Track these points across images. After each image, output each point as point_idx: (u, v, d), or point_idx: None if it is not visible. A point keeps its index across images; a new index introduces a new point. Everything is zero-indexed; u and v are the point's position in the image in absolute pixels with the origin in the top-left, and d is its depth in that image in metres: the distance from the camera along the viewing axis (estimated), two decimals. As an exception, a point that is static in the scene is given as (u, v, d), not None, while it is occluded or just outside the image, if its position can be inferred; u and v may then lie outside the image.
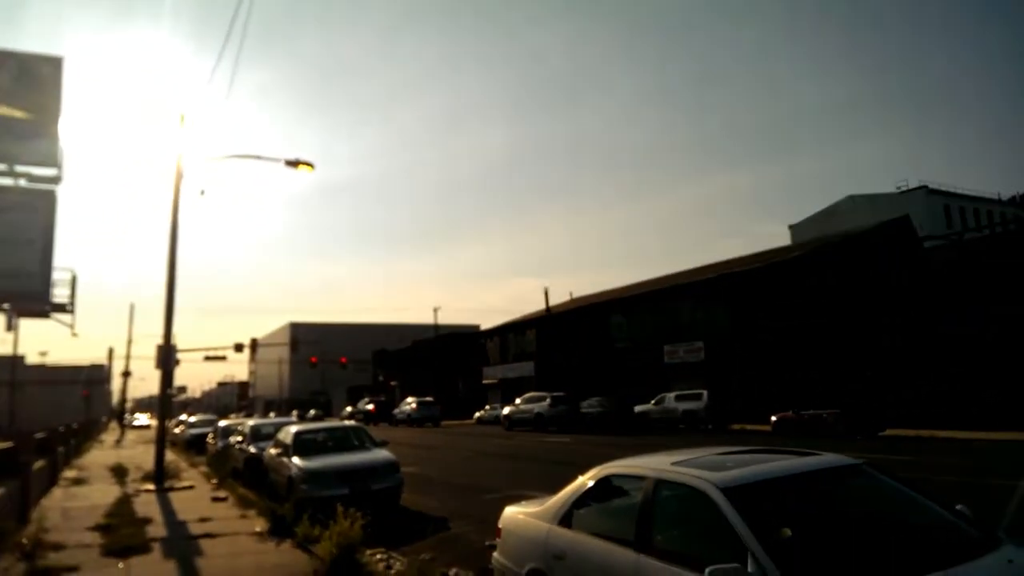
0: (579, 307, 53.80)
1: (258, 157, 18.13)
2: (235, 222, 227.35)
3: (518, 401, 41.00)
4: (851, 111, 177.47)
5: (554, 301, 55.26)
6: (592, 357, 47.34)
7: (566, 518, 5.10)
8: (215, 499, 13.31)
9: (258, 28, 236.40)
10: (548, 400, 37.67)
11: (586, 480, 5.25)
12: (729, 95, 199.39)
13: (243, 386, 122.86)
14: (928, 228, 44.29)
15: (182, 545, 9.19)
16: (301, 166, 17.35)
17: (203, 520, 10.88)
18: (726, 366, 35.97)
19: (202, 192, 20.95)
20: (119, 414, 69.32)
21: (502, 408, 43.81)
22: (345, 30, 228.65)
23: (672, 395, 33.93)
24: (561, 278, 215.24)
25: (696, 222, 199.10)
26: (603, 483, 5.15)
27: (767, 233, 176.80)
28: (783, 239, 64.19)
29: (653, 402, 34.84)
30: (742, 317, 36.55)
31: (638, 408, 35.68)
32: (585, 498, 5.15)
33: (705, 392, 32.43)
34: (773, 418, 26.92)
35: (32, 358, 70.19)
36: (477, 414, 51.20)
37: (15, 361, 54.12)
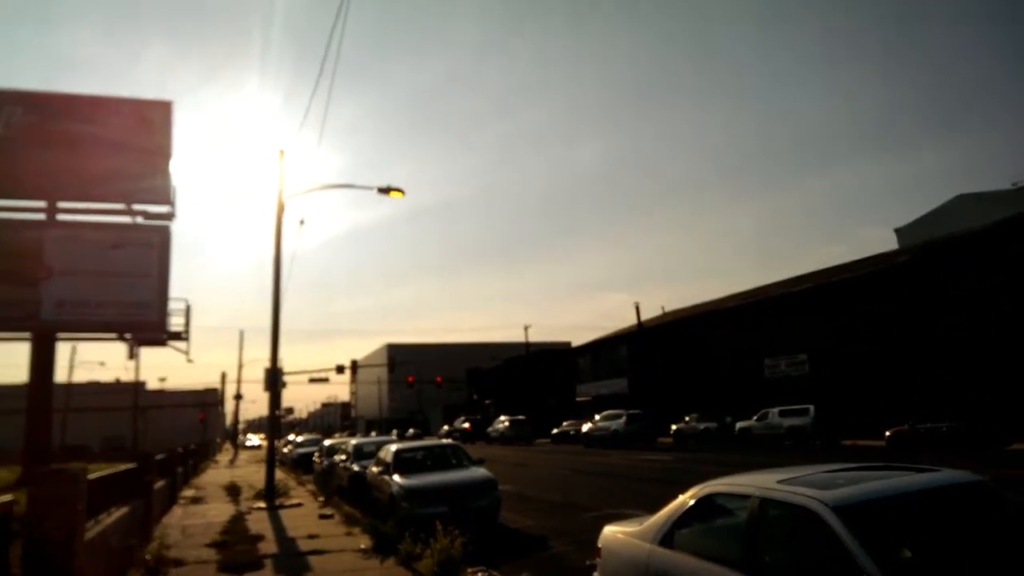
0: (672, 321, 52.78)
1: (351, 186, 18.85)
2: (333, 248, 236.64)
3: (597, 418, 41.21)
4: (960, 105, 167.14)
5: (646, 315, 54.46)
6: (688, 372, 46.27)
7: (667, 538, 4.96)
8: (322, 516, 13.75)
9: (347, 62, 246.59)
10: (624, 417, 38.15)
11: (687, 499, 5.10)
12: (826, 92, 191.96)
13: (345, 406, 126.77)
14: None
15: (292, 562, 9.53)
16: (392, 192, 17.92)
17: (311, 537, 11.25)
18: (833, 379, 34.34)
19: (302, 222, 21.89)
20: (232, 435, 73.04)
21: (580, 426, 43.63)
22: (431, 58, 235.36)
23: (776, 410, 32.66)
24: (653, 292, 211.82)
25: (795, 229, 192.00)
26: (705, 502, 4.99)
27: (872, 238, 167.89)
28: (889, 243, 60.96)
29: (756, 418, 33.64)
30: (848, 327, 34.84)
31: (740, 424, 34.55)
32: (686, 517, 4.99)
33: (812, 407, 31.03)
34: (887, 433, 25.46)
35: (152, 384, 74.97)
36: (554, 431, 50.40)
37: (137, 387, 58.06)
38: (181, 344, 24.85)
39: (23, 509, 5.51)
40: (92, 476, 7.86)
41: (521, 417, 50.34)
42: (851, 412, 30.70)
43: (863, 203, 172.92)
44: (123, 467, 10.99)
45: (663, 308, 63.80)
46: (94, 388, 71.52)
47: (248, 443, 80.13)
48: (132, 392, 58.50)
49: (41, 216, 21.94)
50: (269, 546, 10.77)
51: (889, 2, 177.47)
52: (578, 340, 75.17)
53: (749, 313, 42.49)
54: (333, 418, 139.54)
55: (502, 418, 51.47)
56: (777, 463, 7.16)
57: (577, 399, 59.57)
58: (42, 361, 21.24)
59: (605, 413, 41.66)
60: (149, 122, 22.91)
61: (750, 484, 4.66)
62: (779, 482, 4.46)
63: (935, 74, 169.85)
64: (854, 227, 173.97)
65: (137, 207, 22.73)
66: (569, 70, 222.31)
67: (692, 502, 5.03)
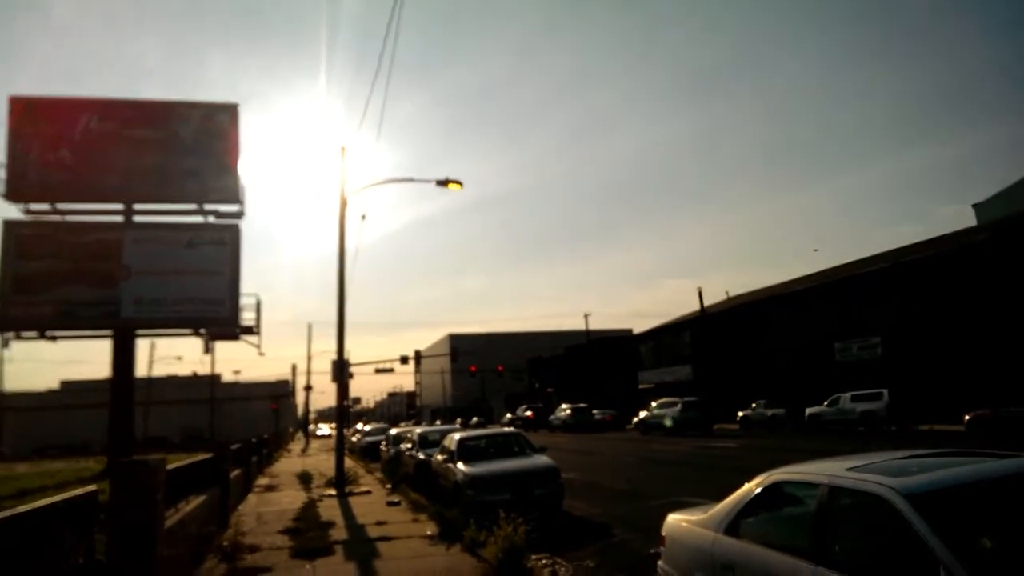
0: (737, 306, 51.70)
1: (411, 180, 19.11)
2: (395, 243, 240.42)
3: (653, 405, 41.51)
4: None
5: (709, 301, 53.45)
6: (754, 358, 45.30)
7: (732, 526, 4.87)
8: (389, 503, 14.05)
9: (404, 61, 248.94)
10: (680, 405, 38.54)
11: (753, 487, 4.99)
12: (894, 67, 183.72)
13: (410, 396, 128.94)
14: None
15: (361, 548, 9.78)
16: (451, 184, 18.09)
17: (379, 524, 11.53)
18: (908, 362, 33.07)
19: (363, 216, 22.40)
20: (304, 425, 75.28)
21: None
22: (484, 55, 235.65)
23: (848, 395, 31.65)
24: (716, 278, 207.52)
25: (866, 210, 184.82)
26: (771, 490, 4.87)
27: (948, 215, 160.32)
28: (968, 220, 58.11)
29: (826, 403, 32.68)
30: (924, 308, 33.47)
31: (809, 410, 33.64)
32: (753, 506, 4.89)
33: (885, 391, 29.95)
34: (967, 417, 24.35)
35: (227, 376, 77.83)
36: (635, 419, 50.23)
37: (213, 380, 60.41)
38: (253, 338, 25.76)
39: (107, 498, 5.81)
40: (170, 466, 8.21)
41: (583, 405, 50.26)
42: (928, 396, 29.50)
43: (939, 181, 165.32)
44: (200, 457, 11.47)
45: (727, 293, 62.66)
46: (173, 382, 74.82)
47: (319, 432, 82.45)
48: (208, 385, 60.96)
49: (119, 218, 23.03)
50: (339, 532, 11.08)
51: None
52: (639, 327, 74.43)
53: (817, 296, 41.24)
54: (399, 407, 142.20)
55: (564, 406, 51.48)
56: (848, 450, 6.94)
57: (640, 386, 59.06)
58: (123, 357, 22.34)
59: (661, 401, 41.96)
60: (217, 124, 23.74)
61: (818, 472, 4.53)
62: (848, 469, 4.32)
63: (1010, 42, 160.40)
64: (931, 205, 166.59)
65: (208, 207, 23.62)
66: (620, 60, 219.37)
67: (758, 490, 4.92)
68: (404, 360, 55.77)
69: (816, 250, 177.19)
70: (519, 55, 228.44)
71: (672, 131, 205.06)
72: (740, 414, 39.24)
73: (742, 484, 5.13)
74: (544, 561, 8.21)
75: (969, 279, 31.33)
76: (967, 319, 30.76)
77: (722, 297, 61.73)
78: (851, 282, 38.87)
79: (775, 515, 4.88)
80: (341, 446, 18.26)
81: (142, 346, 62.59)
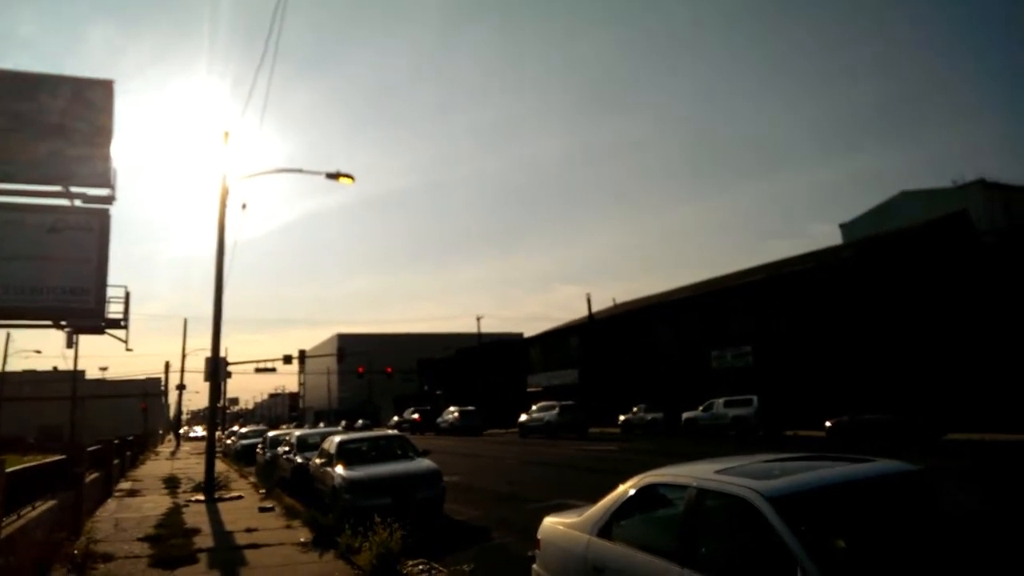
0: (623, 313, 53.26)
1: (300, 171, 18.42)
2: (283, 237, 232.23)
3: (533, 408, 42.52)
4: (903, 107, 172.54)
5: (597, 307, 54.85)
6: (637, 363, 46.83)
7: (606, 529, 4.92)
8: (262, 509, 13.44)
9: (305, 50, 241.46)
10: (557, 409, 39.65)
11: (626, 489, 5.06)
12: (781, 95, 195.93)
13: (293, 397, 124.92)
14: (987, 223, 42.54)
15: (228, 555, 9.27)
16: (342, 178, 17.56)
17: (249, 530, 10.97)
18: (777, 370, 35.14)
19: (244, 206, 21.23)
20: (175, 426, 71.23)
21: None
22: (387, 49, 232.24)
23: (721, 401, 33.24)
24: (605, 285, 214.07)
25: (743, 225, 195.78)
26: (644, 492, 4.96)
27: (817, 233, 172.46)
28: (834, 239, 62.50)
29: (701, 408, 34.20)
30: (792, 320, 35.70)
31: (686, 415, 35.08)
32: (625, 508, 4.96)
33: (755, 397, 31.66)
34: (828, 423, 26.12)
35: (92, 373, 72.55)
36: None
37: (76, 376, 56.03)
38: (120, 332, 23.97)
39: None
40: (13, 468, 7.49)
41: (471, 408, 50.31)
42: (794, 403, 31.45)
43: (811, 201, 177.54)
44: (51, 459, 10.53)
45: (614, 300, 64.42)
46: (30, 377, 68.94)
47: (192, 435, 78.29)
48: (70, 381, 56.44)
49: (-30, 197, 20.88)
50: (205, 540, 10.46)
51: (840, 8, 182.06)
52: (531, 331, 75.38)
53: (697, 305, 43.18)
54: (281, 409, 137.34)
55: (452, 409, 51.32)
56: (720, 453, 7.18)
57: (528, 390, 59.75)
58: (-32, 349, 20.23)
59: (540, 404, 43.08)
60: (90, 102, 21.97)
61: (688, 474, 4.64)
62: (716, 472, 4.45)
63: (880, 76, 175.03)
64: (802, 223, 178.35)
65: (76, 190, 21.80)
66: (525, 67, 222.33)
67: (631, 493, 4.99)
68: (288, 359, 53.74)
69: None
70: (425, 54, 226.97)
71: (573, 142, 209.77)
72: (621, 418, 40.45)
73: (618, 486, 5.19)
74: (421, 567, 8.05)
75: (835, 293, 33.69)
76: (832, 331, 33.04)
77: (610, 304, 63.47)
78: (726, 293, 40.94)
79: (647, 517, 4.96)
80: (212, 448, 17.31)
81: (-5, 337, 57.25)
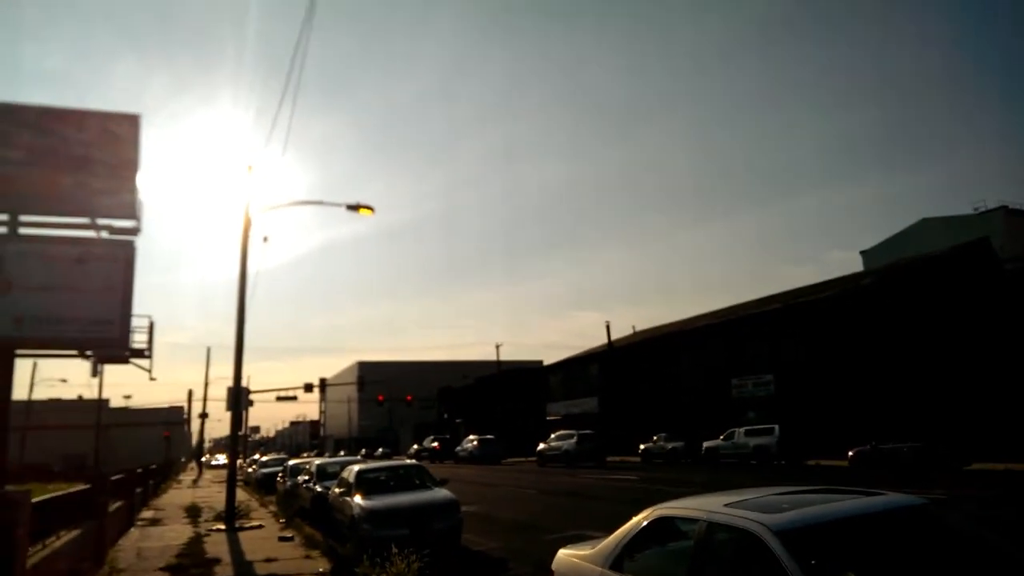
0: (642, 340, 53.08)
1: (320, 203, 18.77)
2: (303, 266, 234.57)
3: (552, 437, 42.43)
4: (923, 130, 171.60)
5: (616, 335, 54.70)
6: (657, 391, 46.54)
7: (618, 562, 4.96)
8: (282, 539, 13.52)
9: (320, 80, 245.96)
10: (576, 438, 39.43)
11: (638, 522, 5.10)
12: (792, 118, 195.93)
13: (314, 425, 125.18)
14: (1010, 250, 42.07)
15: (247, 585, 9.35)
16: (362, 210, 17.87)
17: (268, 560, 11.06)
18: (798, 399, 34.76)
19: (265, 239, 21.72)
20: (197, 455, 71.66)
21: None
22: (402, 78, 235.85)
23: (742, 430, 32.95)
24: (622, 311, 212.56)
25: (761, 250, 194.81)
26: (655, 525, 5.00)
27: (837, 260, 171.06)
28: (855, 266, 62.07)
29: (722, 437, 33.89)
30: (813, 348, 35.38)
31: (707, 444, 34.76)
32: (637, 541, 4.99)
33: (776, 426, 31.35)
34: (850, 452, 25.79)
35: (116, 402, 73.36)
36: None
37: (100, 405, 56.73)
38: (144, 362, 24.23)
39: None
40: (39, 499, 7.66)
41: (490, 436, 50.18)
42: (816, 431, 31.09)
43: (827, 227, 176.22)
44: (75, 488, 10.73)
45: (634, 328, 64.25)
46: (56, 405, 69.83)
47: (214, 462, 78.65)
48: (95, 410, 57.15)
49: (3, 229, 21.47)
50: (225, 570, 10.57)
51: (852, 30, 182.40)
52: (550, 359, 75.31)
53: (717, 333, 42.94)
54: (302, 437, 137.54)
55: (471, 437, 51.23)
56: (741, 483, 7.19)
57: (548, 418, 59.51)
58: (-2, 378, 20.68)
59: (559, 433, 42.99)
60: (116, 135, 22.51)
61: (698, 507, 4.68)
62: (726, 505, 4.49)
63: (901, 101, 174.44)
64: (822, 250, 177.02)
65: (102, 221, 22.30)
66: (538, 92, 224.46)
67: (643, 525, 5.03)
68: (309, 388, 54.12)
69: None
70: (436, 84, 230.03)
71: (585, 167, 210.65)
72: (641, 447, 40.15)
73: (632, 518, 5.24)
74: (437, 597, 8.08)
75: (856, 321, 33.39)
76: (854, 359, 32.69)
77: (629, 331, 63.28)
78: (747, 321, 40.70)
79: (659, 550, 5.00)
80: (233, 477, 17.46)
81: (23, 367, 58.26)
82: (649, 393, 47.33)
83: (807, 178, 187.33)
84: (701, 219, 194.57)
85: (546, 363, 71.57)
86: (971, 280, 33.94)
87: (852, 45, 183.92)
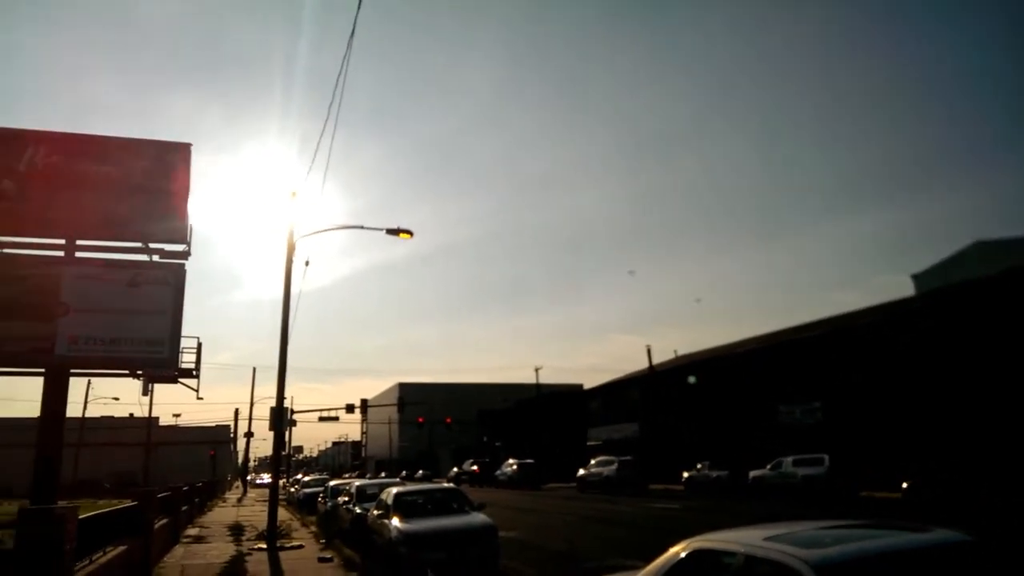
0: (685, 364, 52.32)
1: (361, 227, 19.09)
2: (345, 288, 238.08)
3: (592, 463, 42.31)
4: (980, 149, 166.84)
5: (658, 358, 54.05)
6: (700, 417, 45.74)
7: (653, 594, 4.87)
8: (321, 559, 13.61)
9: (364, 109, 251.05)
10: (616, 464, 39.31)
11: (676, 553, 5.01)
12: (840, 138, 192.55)
13: (356, 446, 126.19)
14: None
15: (285, 606, 9.42)
16: (401, 234, 18.14)
17: (307, 581, 11.14)
18: (849, 427, 33.77)
19: (307, 263, 22.16)
20: (242, 473, 72.81)
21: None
22: (444, 105, 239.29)
23: (790, 459, 32.09)
24: (663, 334, 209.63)
25: (804, 274, 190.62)
26: (693, 557, 4.90)
27: (887, 283, 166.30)
28: (906, 290, 60.38)
29: (769, 466, 33.05)
30: (865, 374, 34.39)
31: (753, 473, 33.95)
32: (674, 573, 4.90)
33: (826, 456, 30.47)
34: (904, 484, 24.88)
35: (165, 420, 75.09)
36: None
37: (150, 423, 58.16)
38: (192, 381, 24.93)
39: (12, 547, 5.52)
40: (87, 515, 7.87)
41: (529, 461, 49.86)
42: (868, 462, 30.09)
43: (879, 250, 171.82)
44: (122, 505, 10.99)
45: (675, 352, 63.43)
46: (107, 423, 71.78)
47: (259, 481, 79.76)
48: (145, 428, 58.62)
49: (60, 253, 22.35)
50: (265, 590, 10.67)
51: (900, 46, 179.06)
52: (590, 382, 74.54)
53: (763, 358, 42.09)
54: (344, 457, 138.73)
55: (510, 461, 50.97)
56: (784, 515, 6.99)
57: (588, 443, 58.91)
58: (54, 396, 21.37)
59: (599, 459, 42.74)
60: (169, 164, 23.35)
61: (737, 540, 4.59)
62: (765, 539, 4.39)
63: (953, 118, 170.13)
64: (869, 274, 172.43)
65: (153, 245, 23.08)
66: (580, 116, 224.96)
67: (680, 556, 4.94)
68: (350, 409, 54.69)
69: (698, 300, 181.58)
70: (480, 108, 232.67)
71: (624, 190, 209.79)
72: (685, 475, 39.42)
73: (669, 549, 5.14)
74: (473, 624, 8.02)
75: (908, 347, 32.39)
76: (907, 386, 31.67)
77: (671, 355, 62.49)
78: (794, 346, 39.81)
79: (695, 583, 4.89)
80: (275, 498, 17.68)
81: (78, 385, 60.09)
82: (692, 419, 46.54)
83: (854, 200, 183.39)
84: (746, 243, 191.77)
85: (586, 387, 71.04)
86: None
87: (897, 59, 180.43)
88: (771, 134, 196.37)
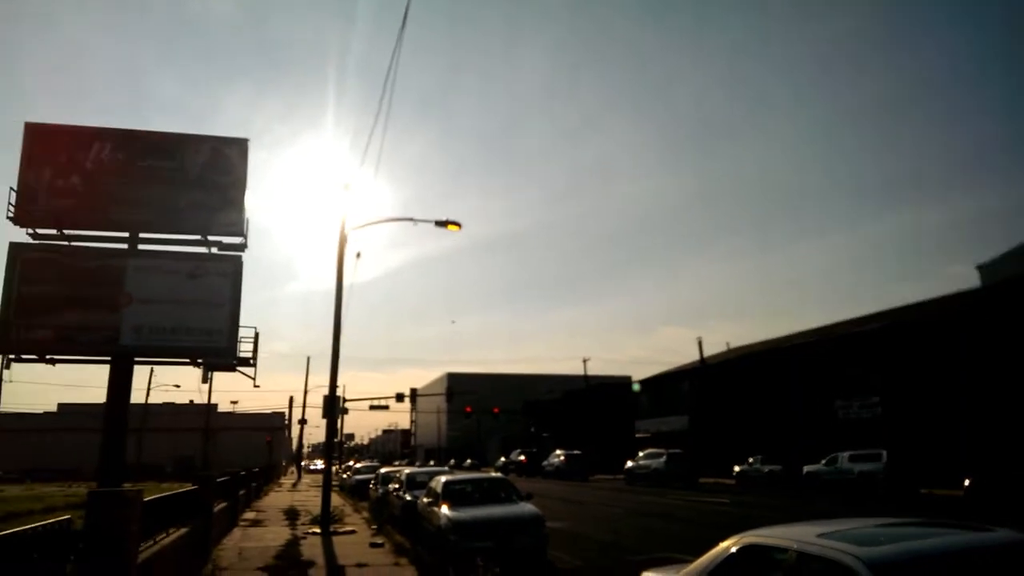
0: (737, 357, 51.49)
1: (411, 219, 19.31)
2: (396, 279, 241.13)
3: (640, 455, 42.02)
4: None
5: (709, 351, 53.25)
6: (752, 411, 44.95)
7: (703, 588, 4.85)
8: (373, 545, 13.89)
9: (415, 101, 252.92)
10: (665, 456, 39.04)
11: (726, 548, 4.97)
12: (904, 127, 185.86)
13: (405, 434, 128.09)
14: None
15: (338, 590, 9.66)
16: (450, 226, 18.29)
17: (359, 565, 11.38)
18: (908, 423, 32.78)
19: (358, 255, 22.62)
20: (297, 459, 74.64)
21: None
22: (496, 95, 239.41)
23: (846, 455, 31.30)
24: (713, 326, 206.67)
25: (866, 264, 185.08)
26: (744, 552, 4.85)
27: (952, 274, 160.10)
28: (971, 281, 58.16)
29: (824, 462, 32.33)
30: (926, 368, 33.30)
31: (807, 468, 33.26)
32: (723, 568, 4.87)
33: (884, 452, 29.63)
34: (966, 482, 24.05)
35: (223, 407, 77.37)
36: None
37: (209, 409, 60.07)
38: (249, 370, 25.74)
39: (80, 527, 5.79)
40: (151, 497, 8.18)
41: (577, 452, 49.80)
42: (928, 458, 29.17)
43: (940, 240, 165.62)
44: (184, 488, 11.39)
45: (728, 344, 62.39)
46: (169, 409, 74.42)
47: (312, 467, 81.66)
48: (204, 414, 60.60)
49: (124, 246, 23.23)
50: (318, 572, 10.95)
51: (970, 34, 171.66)
52: (638, 375, 73.80)
53: (819, 351, 41.09)
54: (394, 445, 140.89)
55: (558, 452, 50.99)
56: (839, 512, 6.86)
57: (636, 435, 58.54)
58: (119, 383, 22.30)
59: (648, 451, 42.49)
60: (226, 158, 24.09)
61: (789, 536, 4.53)
62: (818, 535, 4.32)
63: (1017, 109, 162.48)
64: (938, 264, 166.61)
65: (212, 238, 23.83)
66: (632, 108, 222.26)
67: (731, 551, 4.90)
68: (400, 398, 55.52)
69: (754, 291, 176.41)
70: (527, 102, 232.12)
71: (674, 182, 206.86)
72: (736, 469, 38.86)
73: (719, 544, 5.10)
74: (521, 613, 8.09)
75: (971, 339, 31.24)
76: (971, 381, 30.57)
77: (722, 348, 61.54)
78: (852, 339, 38.78)
79: (745, 578, 4.84)
80: (328, 484, 18.09)
81: (141, 372, 62.50)
82: (743, 413, 45.79)
83: (910, 192, 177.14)
84: (803, 233, 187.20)
85: (634, 379, 70.52)
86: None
87: (967, 47, 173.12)
88: (830, 127, 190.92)
